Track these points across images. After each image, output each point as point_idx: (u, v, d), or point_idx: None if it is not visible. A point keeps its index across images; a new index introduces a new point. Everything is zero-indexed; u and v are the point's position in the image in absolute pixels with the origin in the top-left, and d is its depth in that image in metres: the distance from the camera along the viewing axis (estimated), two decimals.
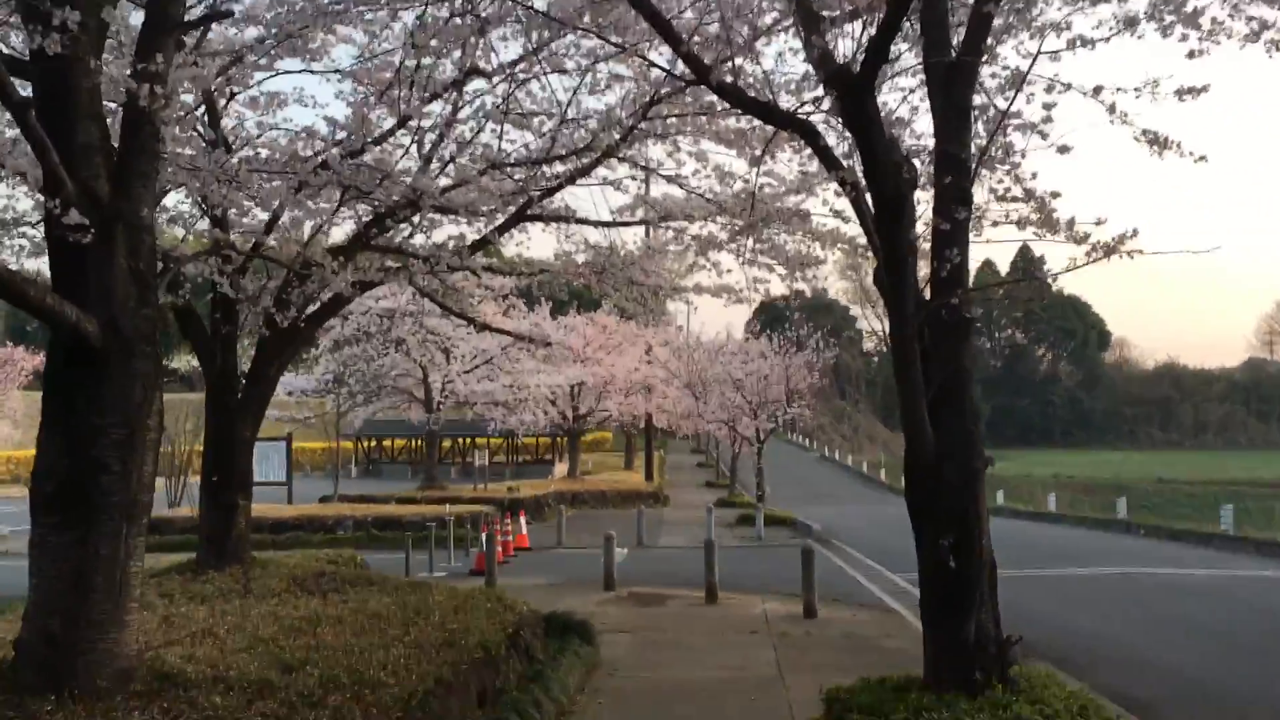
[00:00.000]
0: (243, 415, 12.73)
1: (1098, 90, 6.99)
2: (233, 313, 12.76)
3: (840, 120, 8.46)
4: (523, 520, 24.79)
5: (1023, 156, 7.98)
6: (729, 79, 7.55)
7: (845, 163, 7.87)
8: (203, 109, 12.71)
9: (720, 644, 12.41)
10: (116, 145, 6.43)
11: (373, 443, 62.80)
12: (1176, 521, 35.33)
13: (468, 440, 51.39)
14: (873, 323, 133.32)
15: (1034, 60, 7.02)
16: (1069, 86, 7.11)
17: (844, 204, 10.54)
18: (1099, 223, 6.98)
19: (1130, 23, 6.77)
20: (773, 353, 37.33)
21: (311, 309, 13.22)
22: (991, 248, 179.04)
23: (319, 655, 7.27)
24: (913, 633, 13.18)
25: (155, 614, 9.78)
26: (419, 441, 53.71)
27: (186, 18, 7.23)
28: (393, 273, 12.00)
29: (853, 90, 6.64)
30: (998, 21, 7.70)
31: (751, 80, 9.33)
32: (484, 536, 17.47)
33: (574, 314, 43.95)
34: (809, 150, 13.29)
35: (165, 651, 7.01)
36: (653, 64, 8.95)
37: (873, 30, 6.89)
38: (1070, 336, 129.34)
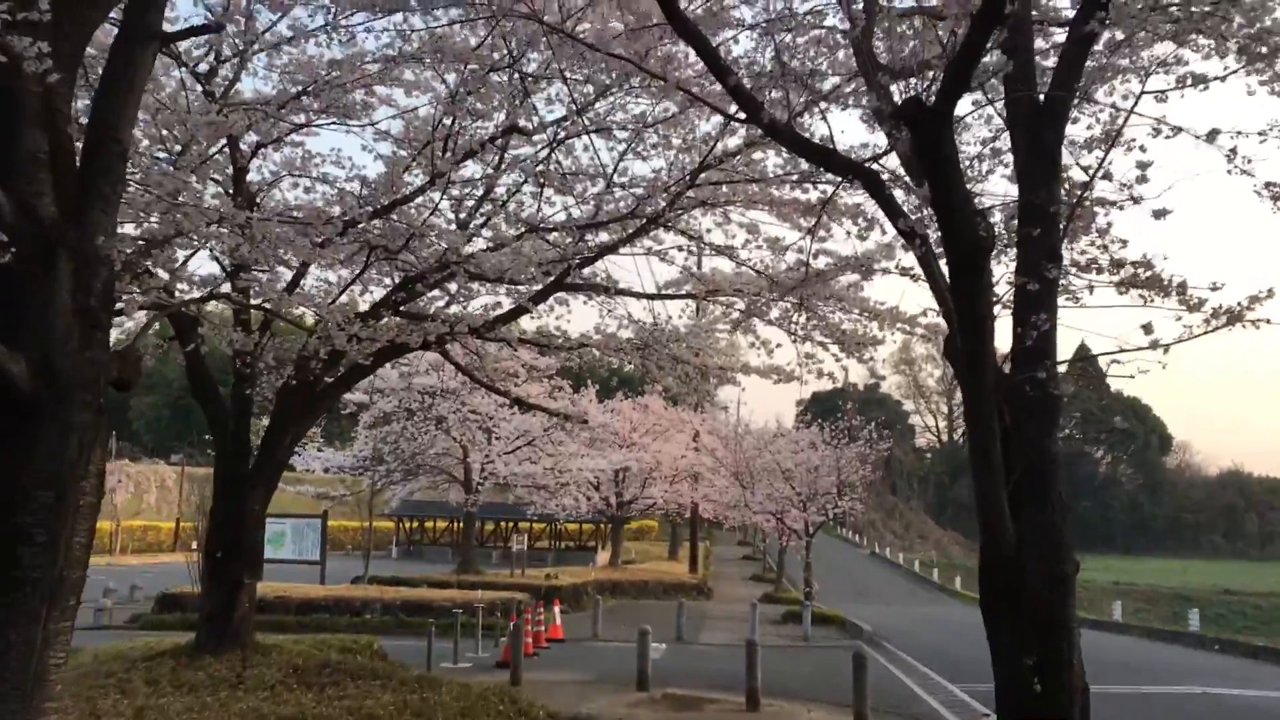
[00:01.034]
0: (253, 486, 11.88)
1: (1213, 135, 5.99)
2: (250, 377, 11.99)
3: (906, 176, 7.56)
4: (557, 610, 23.58)
5: (1108, 216, 6.98)
6: (783, 119, 6.68)
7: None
8: (229, 165, 12.17)
9: None
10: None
11: (414, 524, 61.87)
12: (1252, 636, 33.22)
13: (509, 524, 50.31)
14: (926, 418, 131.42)
15: (1138, 98, 6.06)
16: (1178, 131, 6.10)
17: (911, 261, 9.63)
18: (1215, 288, 5.95)
19: (1255, 57, 5.80)
20: (823, 443, 36.05)
21: (331, 377, 12.41)
22: None
23: None
24: None
25: (132, 703, 8.85)
26: (460, 523, 52.71)
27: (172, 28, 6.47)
28: (409, 336, 11.07)
29: (927, 124, 5.71)
30: (1090, 64, 6.79)
31: (810, 134, 8.49)
32: (511, 627, 16.32)
33: (620, 399, 43.07)
34: (866, 222, 12.47)
35: None
36: (701, 100, 8.02)
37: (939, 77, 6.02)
38: (1130, 439, 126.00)
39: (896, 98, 7.12)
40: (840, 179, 9.07)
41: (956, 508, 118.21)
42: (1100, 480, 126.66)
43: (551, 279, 13.50)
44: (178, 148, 10.39)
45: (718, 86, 7.17)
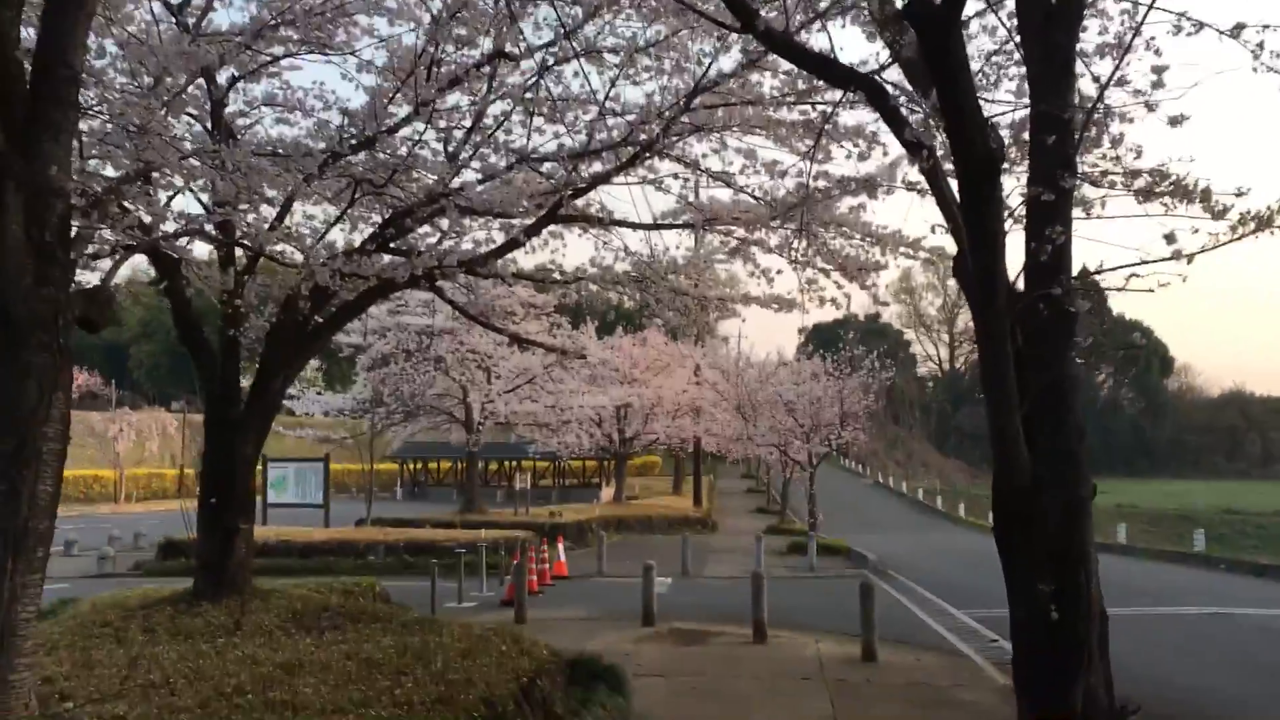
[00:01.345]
0: (244, 431, 11.60)
1: (1238, 30, 5.60)
2: (235, 318, 11.67)
3: (910, 88, 7.18)
4: (561, 547, 23.50)
5: (1121, 125, 6.59)
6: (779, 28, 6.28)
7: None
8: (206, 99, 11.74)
9: (769, 692, 11.02)
10: None
11: (418, 465, 61.99)
12: (1256, 555, 33.27)
13: (512, 463, 50.31)
14: (927, 347, 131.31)
15: None
16: (1201, 27, 5.70)
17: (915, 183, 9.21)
18: (1241, 193, 5.61)
19: None
20: (825, 374, 35.80)
21: (321, 317, 12.08)
22: None
23: (276, 719, 6.03)
24: (988, 683, 11.71)
25: (127, 653, 8.67)
26: (464, 464, 52.78)
27: None
28: (396, 272, 10.72)
29: (935, 24, 5.33)
30: None
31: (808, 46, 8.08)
32: (519, 565, 16.19)
33: (620, 335, 42.78)
34: (866, 142, 12.07)
35: (88, 711, 5.81)
36: (693, 8, 7.60)
37: None
38: (1132, 362, 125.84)
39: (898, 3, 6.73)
40: (840, 94, 8.66)
41: (959, 436, 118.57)
42: (1102, 403, 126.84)
43: (544, 211, 13.12)
44: (149, 80, 9.96)
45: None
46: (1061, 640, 5.91)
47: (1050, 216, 6.04)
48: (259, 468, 38.28)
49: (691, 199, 14.12)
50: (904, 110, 6.68)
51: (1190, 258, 5.49)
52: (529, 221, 13.40)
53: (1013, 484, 6.09)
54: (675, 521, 39.01)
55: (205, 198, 11.37)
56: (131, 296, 59.65)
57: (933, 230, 6.50)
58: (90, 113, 8.09)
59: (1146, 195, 6.03)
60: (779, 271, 13.76)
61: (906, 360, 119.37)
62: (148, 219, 9.93)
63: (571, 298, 18.95)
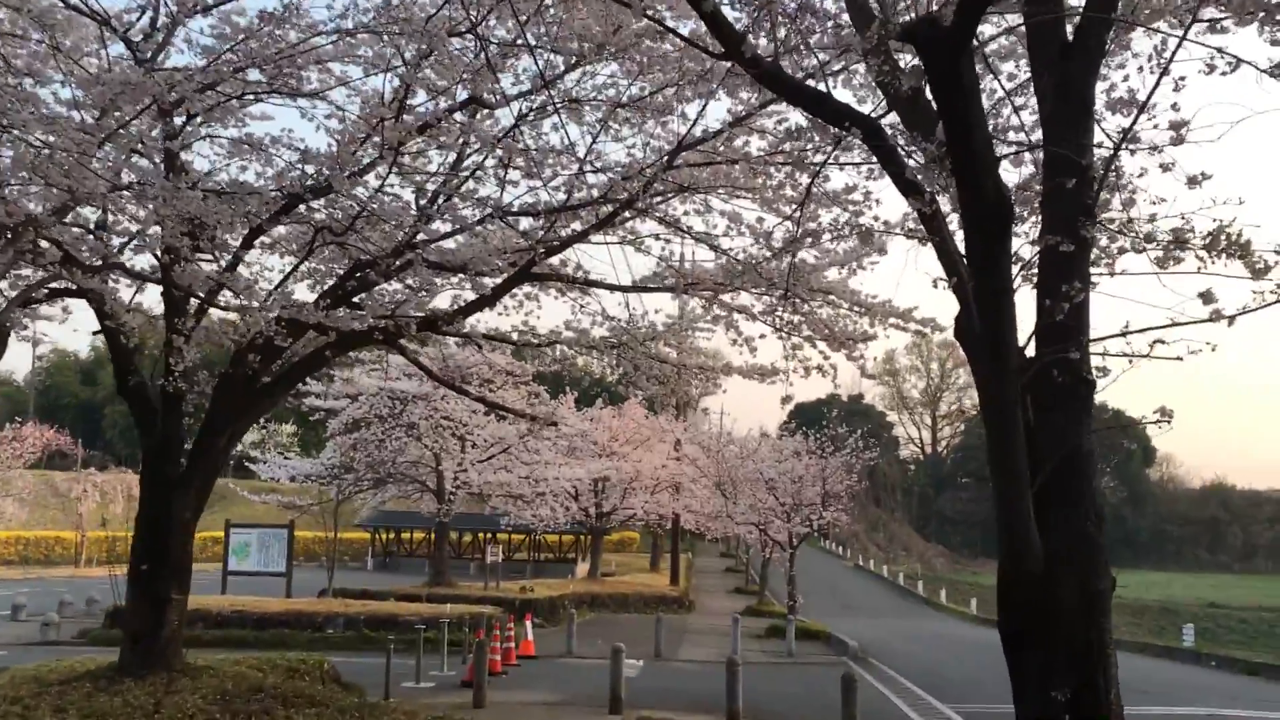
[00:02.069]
0: (183, 492, 10.77)
1: None
2: (180, 370, 10.88)
3: (908, 132, 6.55)
4: (529, 625, 22.46)
5: (1144, 173, 5.96)
6: (768, 58, 5.67)
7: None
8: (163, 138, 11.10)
9: None
10: None
11: (389, 535, 60.59)
12: (1242, 651, 32.35)
13: (486, 535, 49.09)
14: (910, 430, 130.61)
15: (1189, 26, 5.05)
16: (1238, 63, 5.08)
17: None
18: None
19: None
20: (808, 452, 35.03)
21: (269, 375, 11.31)
22: None
23: None
24: None
25: None
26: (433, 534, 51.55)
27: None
28: (343, 324, 10.00)
29: (943, 47, 4.71)
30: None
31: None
32: (480, 644, 15.23)
33: (600, 407, 41.98)
34: (857, 206, 11.51)
35: None
36: (674, 33, 7.01)
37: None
38: (1114, 452, 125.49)
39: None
40: (831, 149, 8.05)
41: (940, 520, 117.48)
42: None
43: (517, 269, 12.47)
44: (97, 114, 9.32)
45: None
46: None
47: (1067, 270, 5.38)
48: (221, 533, 37.16)
49: (673, 262, 13.51)
50: (902, 153, 6.05)
51: (1231, 320, 4.84)
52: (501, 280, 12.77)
53: (1023, 572, 5.35)
54: (651, 600, 37.93)
55: (152, 242, 10.73)
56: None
57: (934, 284, 5.82)
58: (11, 136, 7.41)
59: (1178, 248, 5.34)
60: (762, 336, 13.10)
61: (889, 442, 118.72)
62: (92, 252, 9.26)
63: (552, 367, 18.20)
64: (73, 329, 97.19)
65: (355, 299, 12.33)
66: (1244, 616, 72.41)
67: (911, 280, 8.29)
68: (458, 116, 11.07)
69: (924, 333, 12.87)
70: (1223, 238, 5.02)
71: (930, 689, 18.56)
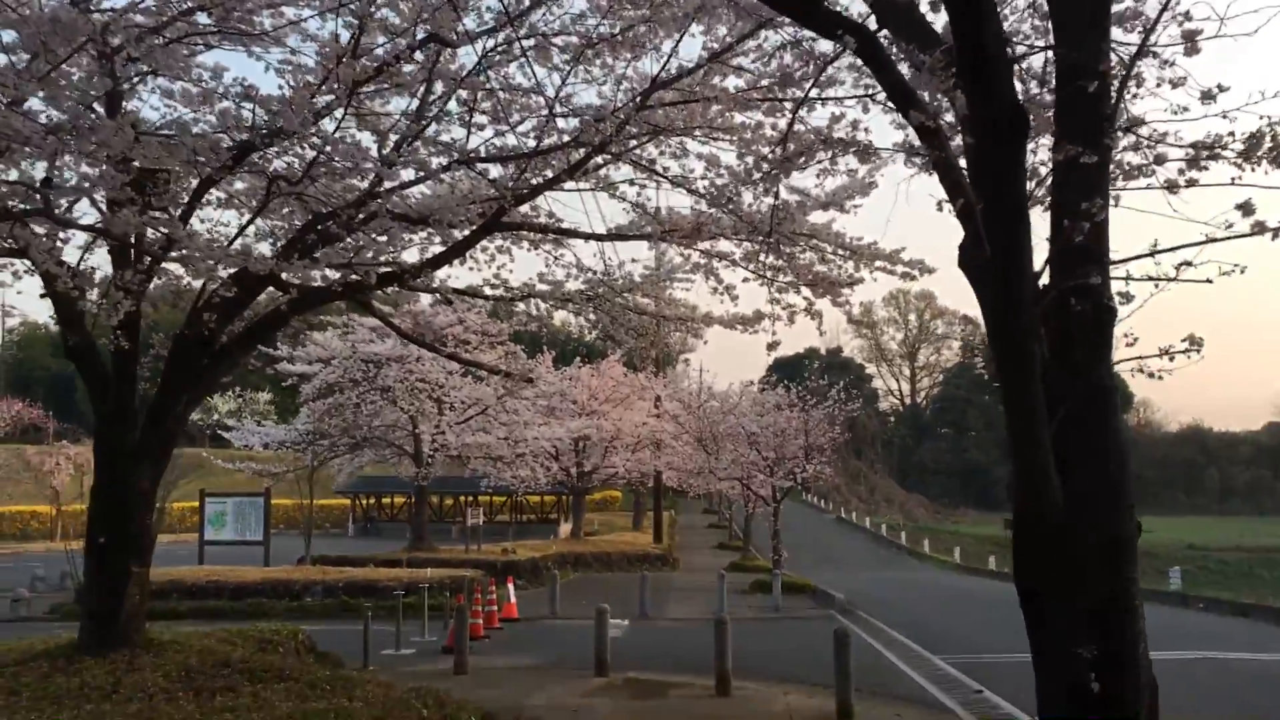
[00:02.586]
0: (140, 461, 10.19)
1: None
2: (134, 331, 10.28)
3: (904, 46, 5.99)
4: (511, 588, 22.06)
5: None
6: None
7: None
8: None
9: None
10: None
11: (370, 500, 60.10)
12: (1233, 594, 32.30)
13: (468, 498, 48.64)
14: (889, 382, 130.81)
15: None
16: None
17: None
18: None
19: None
20: (789, 405, 34.64)
21: (228, 335, 10.71)
22: None
23: None
24: None
25: None
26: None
27: None
28: (294, 274, 9.42)
29: None
30: None
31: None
32: (460, 609, 14.79)
33: (578, 366, 41.42)
34: (843, 145, 11.01)
35: None
36: None
37: None
38: None
39: None
40: (810, 87, 7.53)
41: (920, 471, 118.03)
42: None
43: (486, 219, 11.89)
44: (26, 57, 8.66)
45: None
46: (1106, 717, 4.70)
47: (1087, 185, 4.88)
48: (196, 503, 36.57)
49: (649, 208, 12.94)
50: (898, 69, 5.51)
51: (1276, 233, 4.36)
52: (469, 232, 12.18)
53: (1042, 522, 4.88)
54: (635, 558, 37.71)
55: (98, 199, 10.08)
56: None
57: (939, 207, 5.30)
58: None
59: (1207, 154, 4.84)
60: (745, 281, 12.58)
61: (868, 395, 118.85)
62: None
63: (528, 325, 17.65)
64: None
65: (316, 254, 11.75)
66: (1223, 558, 73.09)
67: (898, 224, 7.79)
68: (418, 55, 10.43)
69: (913, 275, 12.37)
70: (1267, 139, 4.51)
71: (921, 641, 18.27)
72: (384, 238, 12.53)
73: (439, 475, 40.43)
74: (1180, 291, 5.22)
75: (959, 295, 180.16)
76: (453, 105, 11.24)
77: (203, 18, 10.24)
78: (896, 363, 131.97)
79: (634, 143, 12.16)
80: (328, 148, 9.62)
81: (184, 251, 8.14)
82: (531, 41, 10.73)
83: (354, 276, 11.40)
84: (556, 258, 13.86)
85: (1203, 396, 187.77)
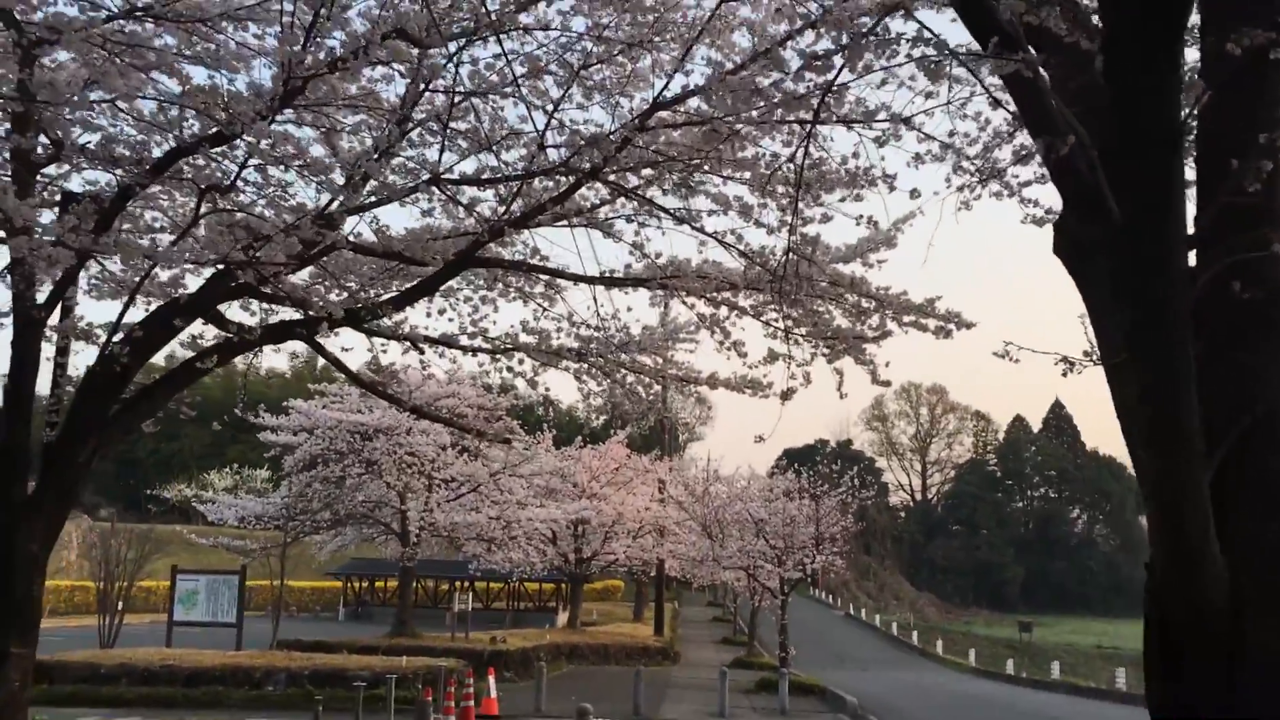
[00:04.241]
0: (30, 518, 8.54)
1: None
2: (29, 352, 8.71)
3: None
4: (492, 680, 20.09)
5: None
6: None
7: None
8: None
9: None
10: None
11: (364, 583, 57.96)
12: None
13: (462, 583, 46.52)
14: (899, 476, 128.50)
15: None
16: None
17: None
18: None
19: None
20: (799, 491, 32.84)
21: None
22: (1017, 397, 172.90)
23: None
24: None
25: None
26: (418, 582, 49.03)
27: None
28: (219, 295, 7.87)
29: None
30: None
31: None
32: (419, 705, 12.96)
33: (579, 446, 39.71)
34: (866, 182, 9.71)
35: None
36: None
37: None
38: (1106, 498, 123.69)
39: None
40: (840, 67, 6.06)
41: (931, 568, 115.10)
42: (1076, 540, 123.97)
43: (461, 250, 10.38)
44: None
45: None
46: None
47: (1250, 111, 3.31)
48: (158, 584, 34.60)
49: (646, 249, 11.39)
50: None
51: None
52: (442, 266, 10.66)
53: (1194, 599, 3.21)
54: (634, 651, 35.62)
55: None
56: None
57: (1023, 160, 3.70)
58: None
59: None
60: (757, 335, 11.02)
61: (879, 489, 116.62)
62: None
63: (523, 394, 16.03)
64: None
65: (266, 289, 10.23)
66: None
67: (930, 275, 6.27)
68: (382, 54, 9.02)
69: (948, 329, 10.74)
70: None
71: None
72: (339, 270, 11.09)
73: (430, 558, 38.50)
74: None
75: (971, 391, 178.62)
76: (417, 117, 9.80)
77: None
78: (907, 457, 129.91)
79: (631, 173, 10.71)
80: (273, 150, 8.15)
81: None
82: (522, 67, 9.34)
83: (304, 314, 9.89)
84: (545, 309, 12.33)
85: None
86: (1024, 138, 6.17)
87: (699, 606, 75.16)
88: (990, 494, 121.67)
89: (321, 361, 19.06)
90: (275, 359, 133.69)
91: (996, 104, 5.84)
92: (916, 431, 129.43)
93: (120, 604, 30.29)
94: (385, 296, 10.86)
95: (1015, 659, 48.04)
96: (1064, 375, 4.52)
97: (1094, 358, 4.08)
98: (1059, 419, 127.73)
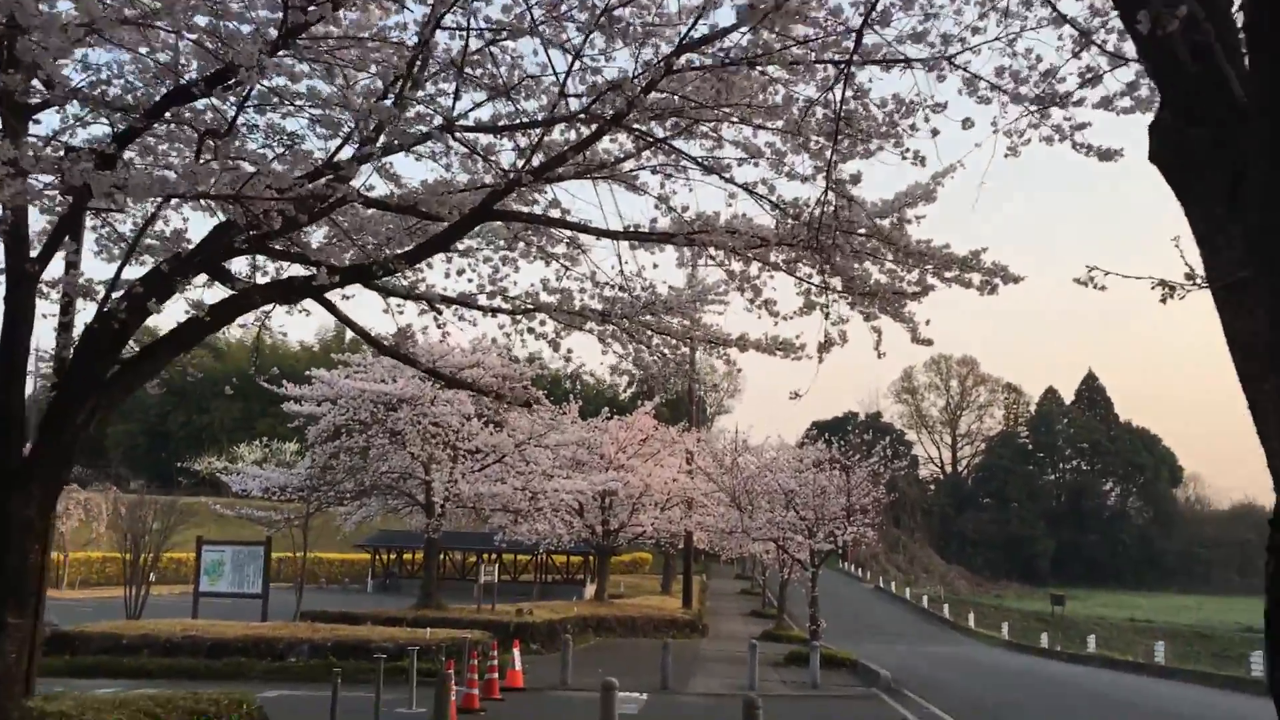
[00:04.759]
0: (25, 484, 8.13)
1: None
2: (26, 304, 8.29)
3: None
4: (516, 653, 19.71)
5: None
6: None
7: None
8: None
9: None
10: None
11: (392, 555, 57.96)
12: None
13: (489, 555, 46.27)
14: (929, 449, 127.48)
15: None
16: None
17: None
18: None
19: None
20: (829, 462, 32.25)
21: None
22: (1051, 368, 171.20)
23: None
24: None
25: None
26: (445, 554, 48.92)
27: None
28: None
29: None
30: None
31: None
32: (441, 677, 12.56)
33: (606, 417, 39.25)
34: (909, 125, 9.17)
35: None
36: None
37: None
38: (1139, 471, 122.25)
39: None
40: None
41: (961, 541, 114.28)
42: (1109, 513, 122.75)
43: (477, 204, 9.87)
44: None
45: None
46: None
47: None
48: (184, 555, 34.50)
49: (673, 203, 10.82)
50: None
51: None
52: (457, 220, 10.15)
53: None
54: (661, 624, 35.29)
55: None
56: None
57: (1090, 83, 3.15)
58: None
59: None
60: (777, 305, 10.45)
61: (909, 462, 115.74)
62: None
63: (548, 372, 15.52)
64: None
65: (274, 244, 9.78)
66: None
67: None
68: None
69: (994, 284, 10.13)
70: None
71: None
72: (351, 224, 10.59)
73: (457, 530, 38.24)
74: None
75: (1002, 362, 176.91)
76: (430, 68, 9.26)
77: None
78: (937, 430, 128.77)
79: (658, 127, 10.14)
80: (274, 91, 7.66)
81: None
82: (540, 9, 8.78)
83: (311, 270, 9.42)
84: (567, 269, 11.81)
85: (1253, 472, 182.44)
86: (1090, 58, 5.58)
87: (727, 579, 74.86)
88: (1021, 466, 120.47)
89: (350, 335, 18.68)
90: (303, 332, 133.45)
91: (1062, 19, 5.26)
92: (947, 404, 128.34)
93: (151, 576, 30.22)
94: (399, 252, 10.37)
95: (1049, 632, 47.38)
96: (1162, 301, 3.99)
97: (1198, 280, 3.54)
98: (1092, 390, 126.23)
